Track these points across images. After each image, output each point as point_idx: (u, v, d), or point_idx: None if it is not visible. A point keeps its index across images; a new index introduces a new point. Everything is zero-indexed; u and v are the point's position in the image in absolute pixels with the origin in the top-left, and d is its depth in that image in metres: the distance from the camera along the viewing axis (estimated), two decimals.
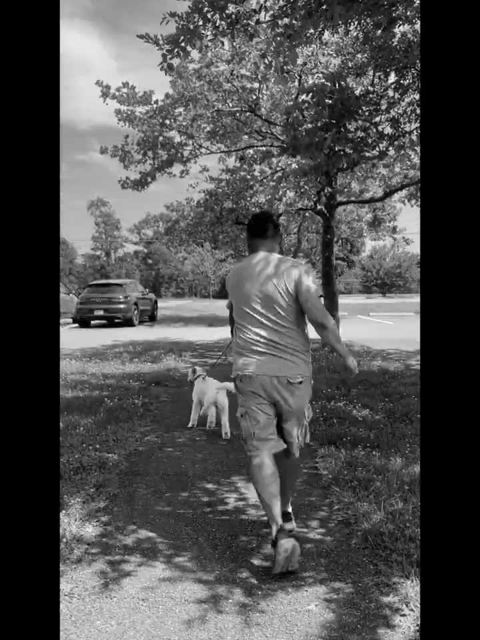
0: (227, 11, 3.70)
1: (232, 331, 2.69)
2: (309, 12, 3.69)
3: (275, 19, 3.92)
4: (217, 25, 3.81)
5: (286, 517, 2.50)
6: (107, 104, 8.09)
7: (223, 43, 6.25)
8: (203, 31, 3.80)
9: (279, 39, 4.02)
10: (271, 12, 3.97)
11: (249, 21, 3.87)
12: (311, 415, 2.56)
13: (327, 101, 5.05)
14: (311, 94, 5.23)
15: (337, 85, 5.35)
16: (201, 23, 3.69)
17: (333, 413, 4.59)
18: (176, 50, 3.82)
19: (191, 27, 3.69)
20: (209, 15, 3.69)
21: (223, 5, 3.64)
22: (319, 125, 5.09)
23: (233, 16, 3.77)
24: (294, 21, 3.85)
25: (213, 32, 3.90)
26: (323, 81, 5.79)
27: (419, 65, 5.30)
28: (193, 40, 3.73)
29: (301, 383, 2.39)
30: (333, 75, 5.62)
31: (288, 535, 2.24)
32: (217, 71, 8.30)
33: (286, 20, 3.91)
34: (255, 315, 2.40)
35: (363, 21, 5.12)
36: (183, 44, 3.77)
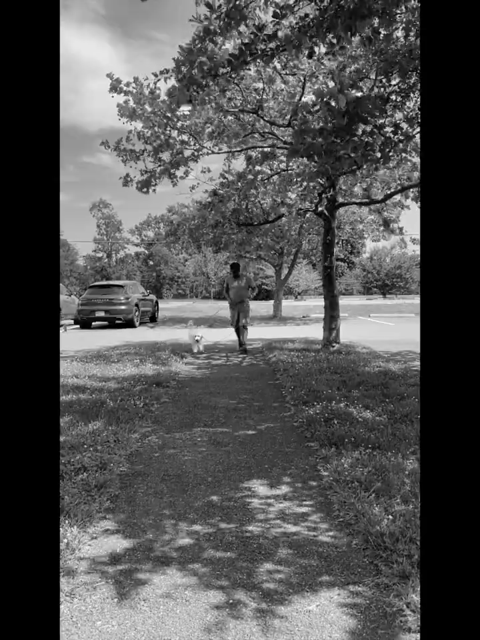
0: (241, 29, 3.69)
1: (225, 295, 10.40)
2: (328, 26, 3.69)
3: (290, 43, 3.88)
4: (239, 51, 3.82)
5: (241, 345, 10.05)
6: (113, 96, 8.09)
7: (241, 77, 6.57)
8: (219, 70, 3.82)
9: (294, 50, 4.00)
10: (288, 29, 3.93)
11: (269, 46, 3.86)
12: (249, 316, 10.32)
13: (341, 107, 4.99)
14: (321, 98, 5.16)
15: (346, 90, 5.29)
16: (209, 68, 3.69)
17: (334, 414, 4.59)
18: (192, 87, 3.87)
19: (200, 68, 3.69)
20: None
21: (244, 9, 3.60)
22: (330, 128, 5.03)
23: (252, 46, 3.76)
24: (313, 39, 3.84)
25: (227, 66, 3.90)
26: (336, 85, 5.74)
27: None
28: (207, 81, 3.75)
29: (243, 302, 9.96)
30: (352, 81, 5.56)
31: (240, 349, 10.08)
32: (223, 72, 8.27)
33: (306, 39, 3.88)
34: (234, 290, 10.08)
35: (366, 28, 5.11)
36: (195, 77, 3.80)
